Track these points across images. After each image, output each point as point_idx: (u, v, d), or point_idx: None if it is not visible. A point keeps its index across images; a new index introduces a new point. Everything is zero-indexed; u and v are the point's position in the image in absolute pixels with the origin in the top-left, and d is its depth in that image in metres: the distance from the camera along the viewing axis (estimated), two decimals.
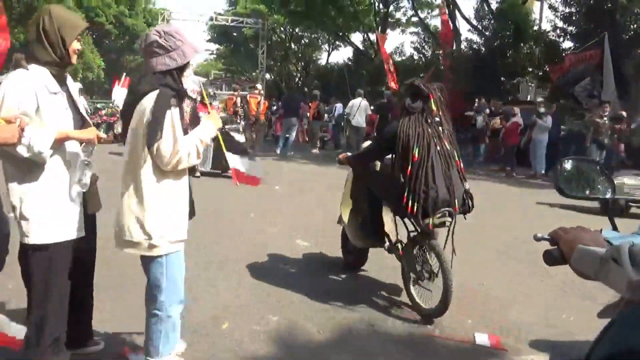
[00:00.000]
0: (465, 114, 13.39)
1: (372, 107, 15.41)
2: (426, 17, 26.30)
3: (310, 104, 17.70)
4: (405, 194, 3.54)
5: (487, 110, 13.28)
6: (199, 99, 10.41)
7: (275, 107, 18.31)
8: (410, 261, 3.88)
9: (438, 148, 3.61)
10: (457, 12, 19.71)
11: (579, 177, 1.48)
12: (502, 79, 18.54)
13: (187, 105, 9.93)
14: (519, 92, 19.80)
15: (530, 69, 18.40)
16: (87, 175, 2.69)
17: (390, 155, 3.86)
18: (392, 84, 20.24)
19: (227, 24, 29.23)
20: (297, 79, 37.27)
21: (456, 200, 3.60)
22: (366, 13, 26.13)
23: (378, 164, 4.21)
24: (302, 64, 37.92)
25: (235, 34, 37.46)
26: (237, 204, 7.48)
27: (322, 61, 38.24)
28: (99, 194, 2.86)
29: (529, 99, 19.63)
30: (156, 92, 2.46)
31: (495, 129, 12.30)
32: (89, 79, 29.50)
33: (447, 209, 3.57)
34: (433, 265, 3.71)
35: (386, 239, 4.16)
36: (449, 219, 3.61)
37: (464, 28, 26.33)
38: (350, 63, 29.14)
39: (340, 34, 28.67)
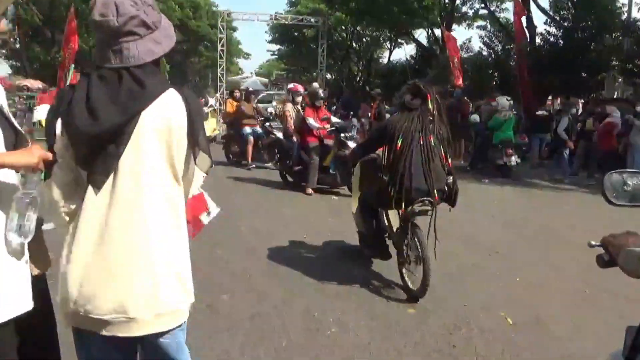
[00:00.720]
0: (537, 113, 11.88)
1: None
2: (495, 10, 24.38)
3: (371, 104, 16.52)
4: (387, 179, 3.86)
5: (574, 110, 11.60)
6: (300, 101, 9.24)
7: (335, 108, 17.26)
8: (399, 247, 4.20)
9: (421, 142, 3.82)
10: (532, 2, 17.87)
11: (625, 186, 1.53)
12: (584, 74, 16.63)
13: (292, 109, 8.58)
14: (604, 88, 17.75)
15: (617, 63, 16.38)
16: (32, 218, 1.71)
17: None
18: (459, 82, 18.78)
19: (288, 22, 28.52)
20: (358, 78, 36.12)
21: (435, 191, 3.83)
22: (430, 9, 24.59)
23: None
24: (364, 62, 36.72)
25: (296, 34, 36.82)
26: (284, 220, 6.53)
27: (384, 60, 36.93)
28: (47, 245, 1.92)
29: (615, 96, 17.57)
30: (172, 94, 1.65)
31: (588, 130, 10.65)
32: None
33: (426, 198, 3.82)
34: (419, 251, 3.91)
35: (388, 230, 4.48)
36: (429, 208, 3.89)
37: (539, 19, 24.27)
38: (412, 61, 27.66)
39: (404, 31, 27.28)
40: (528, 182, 10.46)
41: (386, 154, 4.00)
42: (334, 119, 8.92)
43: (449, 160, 4.06)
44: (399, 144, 3.82)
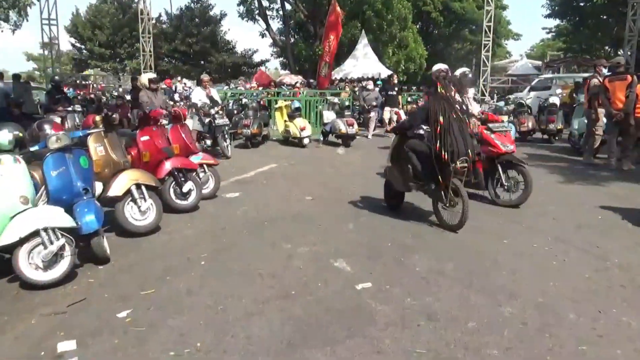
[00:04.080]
0: None
1: None
2: None
3: None
4: (438, 146, 5.02)
5: None
6: None
7: None
8: (439, 195, 5.26)
9: (454, 116, 5.07)
10: None
11: None
12: None
13: None
14: None
15: None
16: None
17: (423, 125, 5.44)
18: None
19: None
20: None
21: (469, 151, 5.06)
22: None
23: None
24: None
25: (582, 4, 29.16)
26: None
27: None
28: None
29: None
30: None
31: None
32: (410, 70, 26.69)
33: (464, 157, 5.03)
34: (457, 197, 5.09)
35: (424, 181, 5.42)
36: (466, 164, 5.06)
37: None
38: None
39: None
40: None
41: (433, 128, 5.11)
42: None
43: (471, 127, 5.57)
44: (442, 120, 5.01)
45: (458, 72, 6.74)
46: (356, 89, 17.64)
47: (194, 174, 6.14)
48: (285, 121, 12.16)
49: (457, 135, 4.99)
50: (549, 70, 31.14)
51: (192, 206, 5.91)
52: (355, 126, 11.61)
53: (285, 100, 13.09)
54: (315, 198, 6.65)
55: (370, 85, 14.42)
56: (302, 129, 11.50)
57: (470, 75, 6.91)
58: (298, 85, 16.74)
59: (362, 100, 13.90)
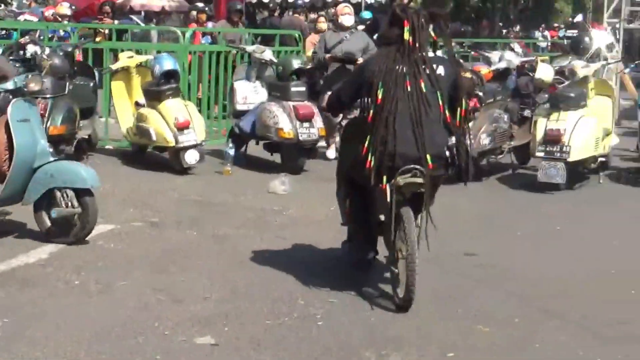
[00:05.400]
0: None
1: None
2: None
3: None
4: (366, 145, 4.36)
5: None
6: None
7: None
8: (387, 241, 4.70)
9: (409, 89, 4.36)
10: None
11: None
12: None
13: None
14: None
15: None
16: None
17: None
18: None
19: None
20: None
21: (428, 156, 4.30)
22: None
23: None
24: None
25: None
26: None
27: None
28: None
29: None
30: None
31: None
32: None
33: (415, 166, 4.28)
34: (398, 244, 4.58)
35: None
36: (420, 180, 4.28)
37: None
38: None
39: None
40: None
41: (368, 109, 4.59)
42: None
43: (449, 115, 4.59)
44: (380, 95, 4.33)
45: None
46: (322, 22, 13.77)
47: None
48: (137, 105, 9.57)
49: (405, 126, 4.36)
50: None
51: None
52: (318, 122, 8.95)
53: (135, 54, 10.46)
54: (222, 344, 4.54)
55: (347, 17, 10.19)
56: (181, 127, 8.89)
57: None
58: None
59: (322, 55, 9.99)
